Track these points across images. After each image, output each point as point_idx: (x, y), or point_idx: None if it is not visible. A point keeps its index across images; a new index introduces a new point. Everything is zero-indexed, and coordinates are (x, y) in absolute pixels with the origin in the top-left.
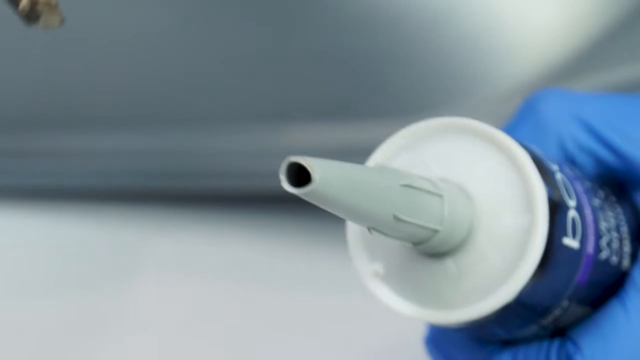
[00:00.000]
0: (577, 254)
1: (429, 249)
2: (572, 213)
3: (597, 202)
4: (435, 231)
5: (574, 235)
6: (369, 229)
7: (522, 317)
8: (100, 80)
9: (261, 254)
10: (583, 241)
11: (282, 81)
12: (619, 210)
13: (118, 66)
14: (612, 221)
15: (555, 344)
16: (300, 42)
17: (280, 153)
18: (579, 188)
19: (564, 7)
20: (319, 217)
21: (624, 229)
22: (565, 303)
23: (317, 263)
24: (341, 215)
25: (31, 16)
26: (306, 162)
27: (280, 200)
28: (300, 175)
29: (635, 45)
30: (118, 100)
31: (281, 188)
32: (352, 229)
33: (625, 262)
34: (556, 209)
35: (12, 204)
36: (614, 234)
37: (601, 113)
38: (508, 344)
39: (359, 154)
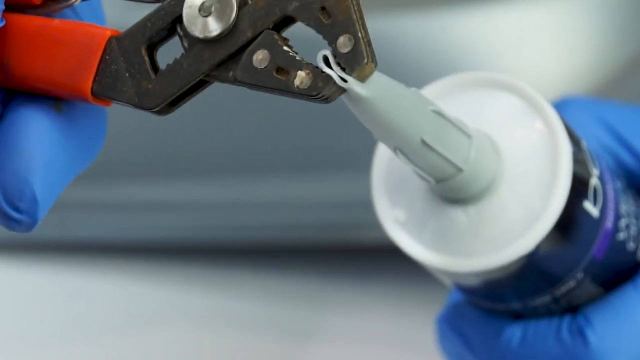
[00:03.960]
0: (596, 223)
1: (451, 191)
2: (594, 180)
3: (619, 185)
4: (459, 169)
5: (594, 203)
6: (395, 150)
7: (537, 283)
8: (115, 133)
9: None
10: (603, 212)
11: (297, 132)
12: None
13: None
14: (633, 208)
15: (567, 318)
16: None
17: (293, 205)
18: (603, 165)
19: (565, 56)
20: (343, 270)
21: None
22: (580, 275)
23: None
24: (370, 127)
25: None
26: None
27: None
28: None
29: (636, 91)
30: (125, 152)
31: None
32: (377, 175)
33: None
34: (579, 170)
35: (25, 257)
36: (633, 220)
37: (624, 117)
38: (519, 318)
39: None
